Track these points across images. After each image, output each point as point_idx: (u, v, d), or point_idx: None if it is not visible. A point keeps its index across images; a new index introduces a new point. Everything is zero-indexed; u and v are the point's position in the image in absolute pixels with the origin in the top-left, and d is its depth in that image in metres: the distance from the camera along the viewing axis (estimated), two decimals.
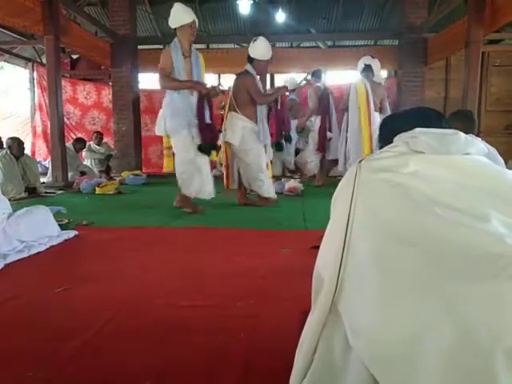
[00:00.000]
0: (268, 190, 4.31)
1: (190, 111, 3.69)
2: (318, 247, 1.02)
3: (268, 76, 8.50)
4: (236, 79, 4.24)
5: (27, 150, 5.77)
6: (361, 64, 5.28)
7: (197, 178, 3.77)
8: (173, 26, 3.96)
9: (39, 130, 8.94)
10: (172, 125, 3.68)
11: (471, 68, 5.44)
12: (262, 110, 4.21)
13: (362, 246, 0.88)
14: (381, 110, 5.31)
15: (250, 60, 4.18)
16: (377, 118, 5.09)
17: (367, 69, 5.24)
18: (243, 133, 4.13)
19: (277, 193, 5.08)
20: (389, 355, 0.78)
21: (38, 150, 8.89)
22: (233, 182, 4.56)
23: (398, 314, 0.79)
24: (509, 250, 0.76)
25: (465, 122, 2.50)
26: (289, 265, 2.26)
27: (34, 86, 8.98)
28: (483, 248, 0.77)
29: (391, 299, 0.81)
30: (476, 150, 0.99)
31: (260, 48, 4.15)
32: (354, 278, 0.87)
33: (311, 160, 6.26)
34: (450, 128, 1.05)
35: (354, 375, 0.84)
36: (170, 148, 3.91)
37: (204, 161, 3.81)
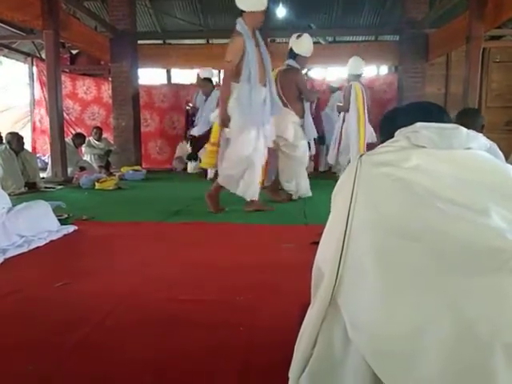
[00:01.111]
0: (304, 188, 4.36)
1: (262, 109, 3.46)
2: (317, 243, 1.02)
3: None
4: (283, 75, 4.16)
5: (27, 145, 5.76)
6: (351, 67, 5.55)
7: (246, 177, 3.58)
8: (244, 9, 3.37)
9: (39, 125, 8.92)
10: (241, 121, 3.42)
11: (472, 64, 5.43)
12: (307, 106, 4.26)
13: (362, 240, 0.87)
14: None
15: (293, 55, 4.18)
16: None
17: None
18: (294, 128, 4.15)
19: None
20: (388, 349, 0.78)
21: (39, 146, 8.88)
22: (269, 179, 4.52)
23: (399, 308, 0.79)
24: (510, 244, 0.76)
25: (473, 118, 2.52)
26: (288, 260, 2.26)
27: (33, 81, 8.95)
28: (484, 242, 0.77)
29: (391, 293, 0.81)
30: (478, 145, 0.98)
31: (305, 45, 4.19)
32: (354, 272, 0.87)
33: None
34: (452, 123, 1.05)
35: (353, 368, 0.84)
36: (216, 144, 3.71)
37: (260, 159, 3.63)
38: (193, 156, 6.81)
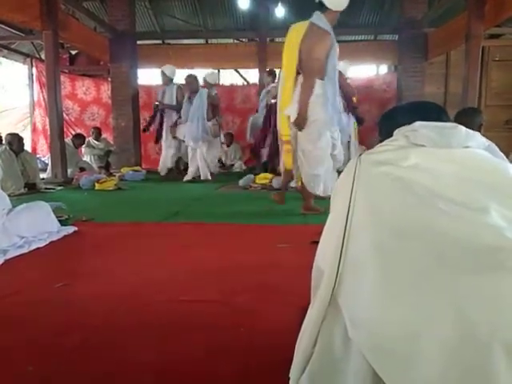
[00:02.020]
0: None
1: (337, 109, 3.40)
2: (317, 242, 1.02)
3: None
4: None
5: (26, 146, 5.75)
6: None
7: (327, 175, 3.42)
8: (330, 7, 3.18)
9: (38, 126, 8.92)
10: (326, 117, 3.27)
11: (471, 63, 5.43)
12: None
13: (362, 239, 0.88)
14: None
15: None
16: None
17: None
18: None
19: (277, 189, 5.09)
20: (389, 348, 0.78)
21: (39, 146, 8.88)
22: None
23: (398, 307, 0.79)
24: (509, 243, 0.76)
25: (471, 117, 2.51)
26: (288, 260, 2.26)
27: (32, 82, 8.96)
28: (483, 241, 0.77)
29: (391, 292, 0.81)
30: (476, 144, 0.98)
31: None
32: (353, 271, 0.87)
33: None
34: (450, 122, 1.05)
35: (354, 367, 0.84)
36: (290, 142, 3.47)
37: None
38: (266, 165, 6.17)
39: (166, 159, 6.63)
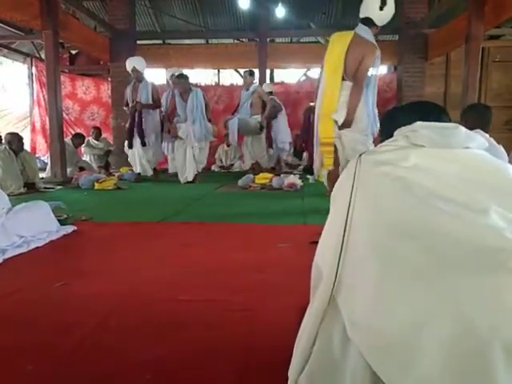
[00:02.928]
0: None
1: None
2: (316, 243, 1.02)
3: (268, 72, 8.50)
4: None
5: (26, 146, 5.74)
6: None
7: None
8: (378, 24, 3.39)
9: (38, 125, 8.92)
10: (367, 124, 3.45)
11: (471, 63, 5.43)
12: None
13: (361, 239, 0.88)
14: None
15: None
16: None
17: None
18: None
19: (276, 188, 5.10)
20: (388, 347, 0.78)
21: (38, 146, 8.88)
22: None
23: (398, 306, 0.79)
24: (509, 244, 0.76)
25: (478, 117, 2.51)
26: (288, 260, 2.26)
27: (32, 82, 8.96)
28: (483, 242, 0.77)
29: (391, 291, 0.81)
30: (477, 144, 0.98)
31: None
32: (353, 270, 0.87)
33: None
34: (451, 122, 1.05)
35: (352, 367, 0.84)
36: (332, 144, 3.51)
37: None
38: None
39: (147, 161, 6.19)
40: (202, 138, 5.91)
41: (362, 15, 3.35)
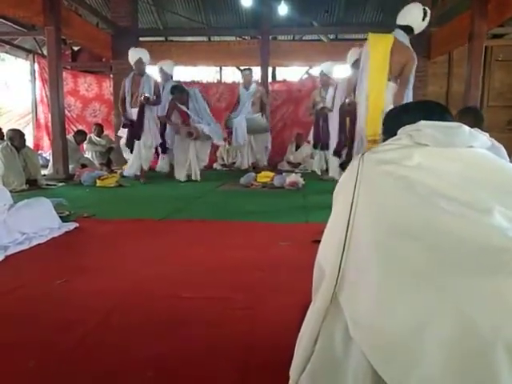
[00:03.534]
0: None
1: None
2: (318, 241, 1.01)
3: (270, 69, 8.48)
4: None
5: (28, 142, 5.73)
6: (352, 58, 5.31)
7: None
8: (416, 31, 3.56)
9: (41, 122, 8.92)
10: None
11: (474, 62, 5.41)
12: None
13: (364, 238, 0.87)
14: None
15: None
16: None
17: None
18: None
19: (278, 187, 5.09)
20: (390, 347, 0.78)
21: (43, 143, 8.88)
22: None
23: (400, 306, 0.79)
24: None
25: (474, 118, 2.51)
26: (289, 258, 2.26)
27: (34, 78, 8.95)
28: (488, 241, 0.77)
29: (393, 291, 0.81)
30: (480, 144, 0.98)
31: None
32: (355, 269, 0.87)
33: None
34: (454, 121, 1.05)
35: (354, 366, 0.84)
36: (378, 141, 3.58)
37: None
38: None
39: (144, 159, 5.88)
40: (221, 136, 5.95)
41: (402, 22, 3.51)
